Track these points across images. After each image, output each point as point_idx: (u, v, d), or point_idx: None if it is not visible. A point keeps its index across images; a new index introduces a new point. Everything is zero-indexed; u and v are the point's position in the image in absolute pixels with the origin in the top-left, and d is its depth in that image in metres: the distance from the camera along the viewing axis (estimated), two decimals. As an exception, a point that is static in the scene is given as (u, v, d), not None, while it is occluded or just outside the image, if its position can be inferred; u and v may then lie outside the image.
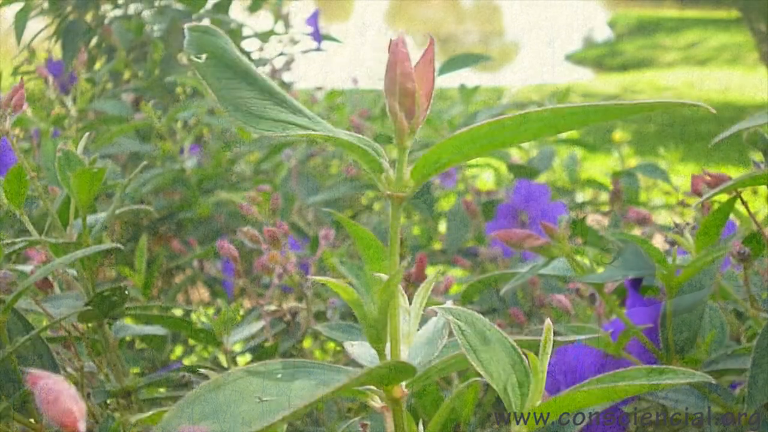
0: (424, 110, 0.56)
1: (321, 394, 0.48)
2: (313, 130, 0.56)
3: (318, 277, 0.58)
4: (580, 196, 2.31)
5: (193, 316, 1.56)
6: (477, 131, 0.55)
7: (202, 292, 2.20)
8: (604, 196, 2.26)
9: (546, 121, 0.54)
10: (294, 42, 2.45)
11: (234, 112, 0.55)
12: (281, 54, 2.43)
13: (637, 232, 1.35)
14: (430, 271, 2.07)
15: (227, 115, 0.55)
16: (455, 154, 0.56)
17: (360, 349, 0.64)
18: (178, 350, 1.82)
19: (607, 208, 2.01)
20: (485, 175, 2.95)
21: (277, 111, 0.56)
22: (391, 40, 0.55)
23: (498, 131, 0.55)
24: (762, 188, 2.98)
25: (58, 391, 0.41)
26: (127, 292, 0.97)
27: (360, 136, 0.57)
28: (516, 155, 2.37)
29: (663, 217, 2.40)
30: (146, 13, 2.41)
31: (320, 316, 1.28)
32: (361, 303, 0.57)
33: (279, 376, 0.52)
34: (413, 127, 0.56)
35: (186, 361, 1.70)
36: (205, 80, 0.55)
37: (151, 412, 0.52)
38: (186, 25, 0.56)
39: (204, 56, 0.56)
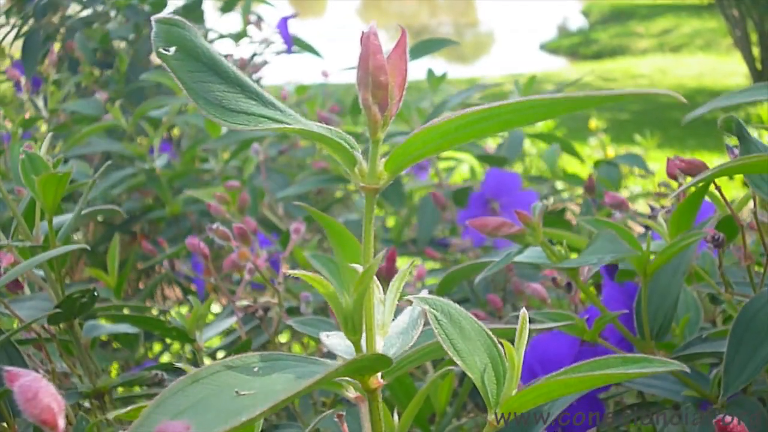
0: (397, 102, 0.56)
1: (300, 388, 0.47)
2: (287, 123, 0.56)
3: (294, 271, 0.58)
4: (560, 185, 2.32)
5: (168, 315, 1.56)
6: (448, 124, 0.55)
7: (177, 291, 2.20)
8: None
9: (514, 113, 0.54)
10: (267, 43, 2.44)
11: (206, 106, 0.54)
12: (255, 55, 2.42)
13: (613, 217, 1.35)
14: (403, 263, 2.08)
15: (199, 109, 0.54)
16: (428, 146, 0.56)
17: (335, 340, 0.64)
18: (157, 347, 1.82)
19: (581, 201, 2.01)
20: (462, 167, 2.96)
21: (249, 104, 0.56)
22: (362, 32, 0.55)
23: (468, 124, 0.55)
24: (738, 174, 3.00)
25: (36, 388, 0.41)
26: (96, 294, 0.97)
27: (333, 128, 0.57)
28: (492, 144, 2.37)
29: (640, 205, 2.42)
30: (111, 14, 2.40)
31: (294, 311, 1.28)
32: (336, 296, 0.57)
33: (256, 369, 0.52)
34: (386, 119, 0.56)
35: (163, 359, 1.70)
36: (174, 74, 0.54)
37: (129, 408, 0.52)
38: (153, 18, 0.55)
39: (173, 49, 0.55)
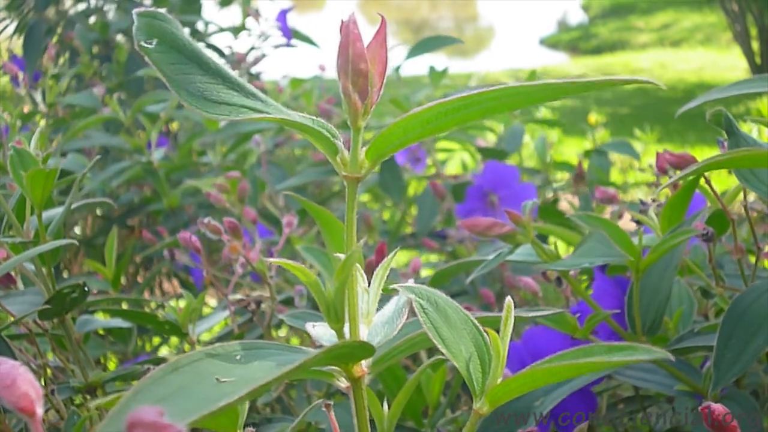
0: (377, 90, 0.56)
1: (279, 373, 0.47)
2: (267, 113, 0.56)
3: (276, 260, 0.58)
4: (554, 177, 2.32)
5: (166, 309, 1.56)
6: (429, 112, 0.55)
7: (175, 285, 2.20)
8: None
9: (496, 99, 0.54)
10: (265, 37, 2.44)
11: (187, 97, 0.55)
12: (253, 48, 2.42)
13: (606, 212, 1.36)
14: (404, 256, 2.07)
15: (181, 100, 0.54)
16: (410, 134, 0.56)
17: (320, 330, 0.64)
18: (156, 340, 1.83)
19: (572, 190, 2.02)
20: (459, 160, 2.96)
21: (230, 95, 0.56)
22: (342, 20, 0.55)
23: (450, 111, 0.55)
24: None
25: (14, 375, 0.41)
26: (87, 289, 0.96)
27: (314, 118, 0.57)
28: (492, 137, 2.38)
29: (636, 195, 2.42)
30: (109, 7, 2.41)
31: (291, 303, 1.28)
32: (318, 284, 0.57)
33: (238, 357, 0.52)
34: (367, 107, 0.56)
35: (161, 352, 1.70)
36: (156, 66, 0.55)
37: (110, 397, 0.52)
38: (134, 11, 0.56)
39: (154, 41, 0.55)
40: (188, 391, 0.47)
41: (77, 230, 2.24)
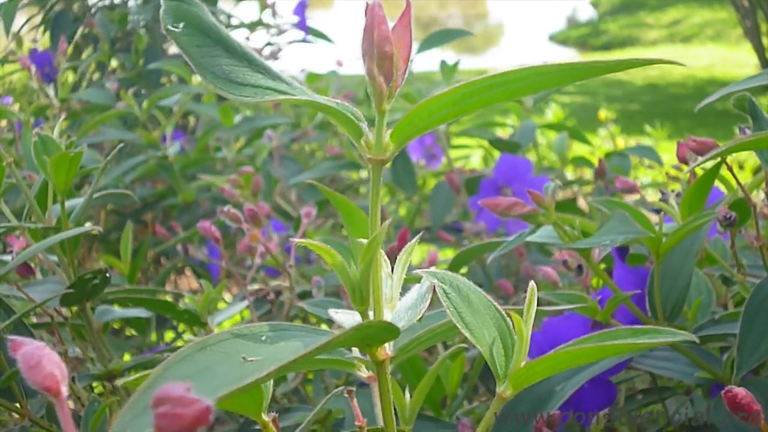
0: (402, 73, 0.56)
1: (305, 353, 0.47)
2: (293, 95, 0.56)
3: (302, 240, 0.58)
4: (569, 175, 2.31)
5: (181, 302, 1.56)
6: (453, 93, 0.54)
7: (190, 282, 2.20)
8: (590, 176, 2.26)
9: (522, 80, 0.54)
10: (281, 32, 2.44)
11: (213, 79, 0.55)
12: (268, 44, 2.43)
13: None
14: (418, 250, 2.07)
15: (206, 83, 0.54)
16: (434, 116, 0.56)
17: (344, 316, 0.64)
18: (169, 336, 1.82)
19: (591, 188, 2.01)
20: (473, 159, 2.96)
21: (256, 77, 0.56)
22: (367, 3, 0.55)
23: (475, 92, 0.54)
24: (748, 161, 2.99)
25: (39, 355, 0.41)
26: (108, 275, 0.97)
27: (338, 101, 0.57)
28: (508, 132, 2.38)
29: (650, 195, 2.42)
30: (132, 2, 2.42)
31: (307, 295, 1.28)
32: (344, 266, 0.57)
33: (264, 338, 0.52)
34: (392, 90, 0.56)
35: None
36: (182, 49, 0.55)
37: (136, 376, 0.52)
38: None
39: (181, 25, 0.55)
40: (215, 369, 0.47)
41: (89, 225, 2.24)
